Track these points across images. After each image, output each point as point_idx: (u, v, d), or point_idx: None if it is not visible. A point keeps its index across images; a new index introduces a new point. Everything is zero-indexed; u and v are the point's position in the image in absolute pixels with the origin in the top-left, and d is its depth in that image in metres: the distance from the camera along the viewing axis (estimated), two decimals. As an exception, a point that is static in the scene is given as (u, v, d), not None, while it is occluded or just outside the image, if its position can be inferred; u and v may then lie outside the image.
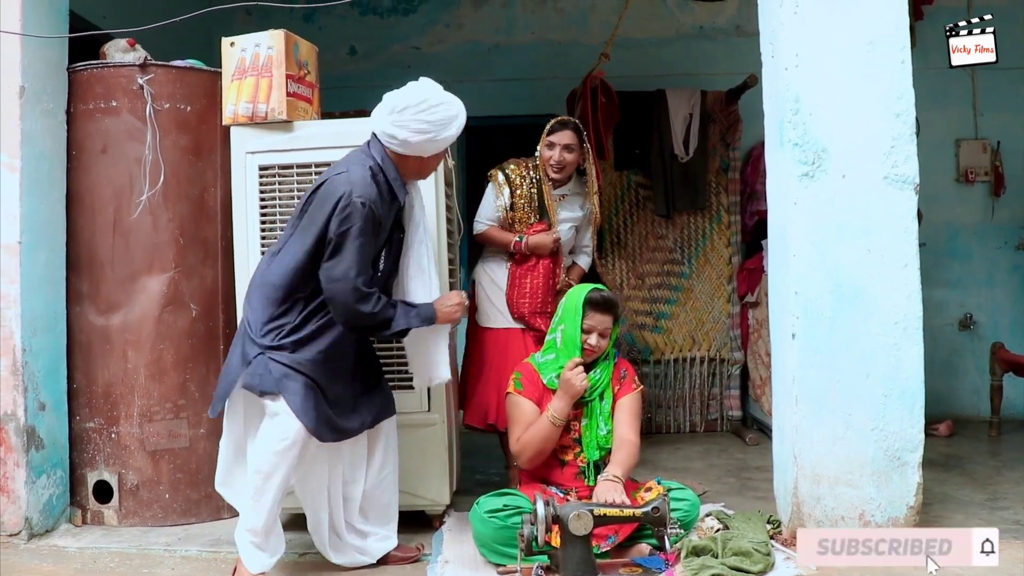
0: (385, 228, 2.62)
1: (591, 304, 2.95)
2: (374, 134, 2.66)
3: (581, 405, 2.95)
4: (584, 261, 3.92)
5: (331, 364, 2.61)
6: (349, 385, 2.70)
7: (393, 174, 2.63)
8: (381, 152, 2.64)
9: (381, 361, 3.15)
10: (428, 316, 2.68)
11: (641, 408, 3.04)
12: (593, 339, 2.92)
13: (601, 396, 2.96)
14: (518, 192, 3.64)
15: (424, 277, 2.76)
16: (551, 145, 3.63)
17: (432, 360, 2.79)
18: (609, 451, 2.92)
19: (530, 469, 3.00)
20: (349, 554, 2.82)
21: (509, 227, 3.66)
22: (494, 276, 3.69)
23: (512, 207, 3.64)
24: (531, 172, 3.67)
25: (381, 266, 2.67)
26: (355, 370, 2.73)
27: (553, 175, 3.66)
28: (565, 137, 3.62)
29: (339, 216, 2.50)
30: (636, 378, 3.05)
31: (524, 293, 3.60)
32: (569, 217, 3.74)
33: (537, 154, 3.68)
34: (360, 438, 2.78)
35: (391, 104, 2.59)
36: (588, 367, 2.97)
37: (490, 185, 3.72)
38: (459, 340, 3.80)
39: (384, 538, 2.87)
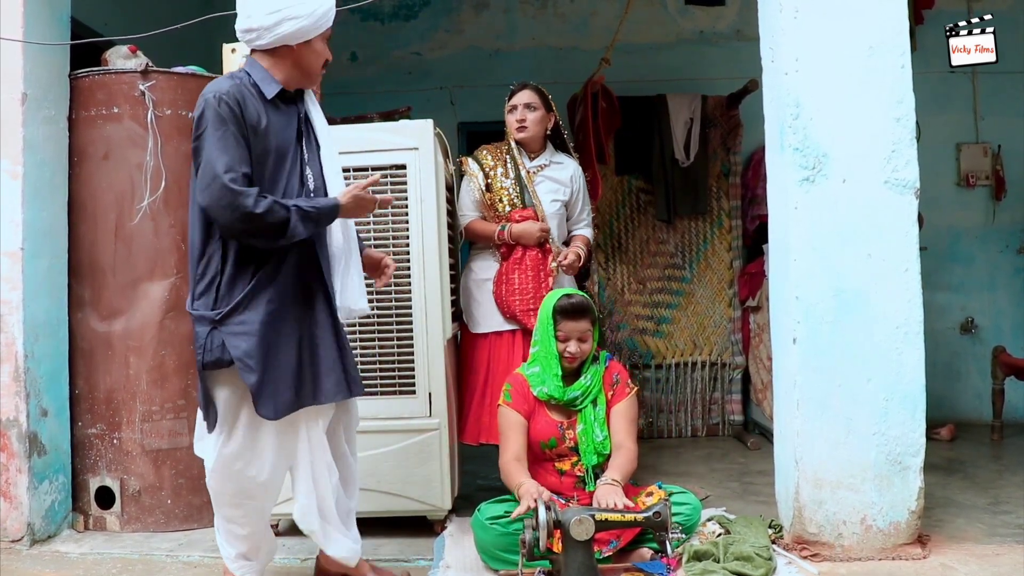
0: (263, 131, 2.34)
1: (560, 312, 2.93)
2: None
3: (574, 413, 2.94)
4: (587, 232, 3.71)
5: (283, 318, 2.36)
6: (323, 342, 2.44)
7: (260, 74, 2.41)
8: (249, 61, 2.46)
9: (381, 364, 3.16)
10: (330, 211, 2.39)
11: (637, 410, 3.03)
12: (572, 347, 2.91)
13: (594, 402, 2.95)
14: (492, 174, 3.54)
15: (346, 229, 2.55)
16: (512, 108, 3.56)
17: (347, 286, 2.51)
18: (607, 457, 2.91)
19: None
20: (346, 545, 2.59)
21: (490, 210, 3.53)
22: (481, 273, 3.57)
23: (489, 188, 3.52)
24: (504, 153, 3.59)
25: (288, 183, 2.40)
26: (319, 322, 2.45)
27: (518, 135, 3.55)
28: (525, 96, 3.56)
29: (195, 123, 2.30)
30: (629, 380, 3.03)
31: (513, 289, 3.44)
32: (552, 190, 3.59)
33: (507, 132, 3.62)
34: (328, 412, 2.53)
35: (239, 5, 2.43)
36: (577, 373, 2.96)
37: (464, 176, 3.62)
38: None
39: (356, 540, 2.65)
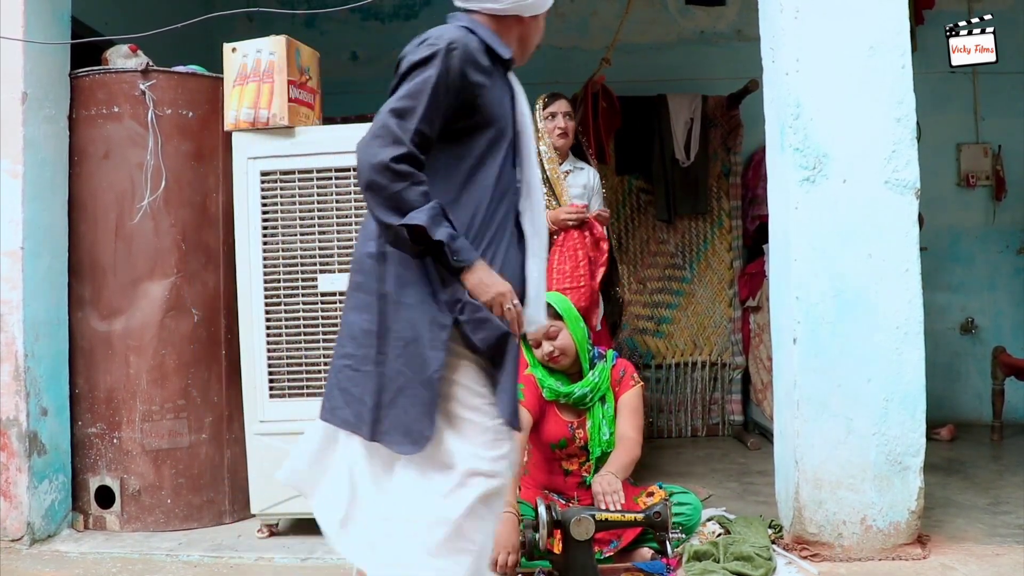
0: (487, 99, 1.94)
1: None
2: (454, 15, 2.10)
3: (583, 411, 2.94)
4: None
5: None
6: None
7: (488, 35, 2.01)
8: (469, 20, 2.05)
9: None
10: (462, 252, 1.84)
11: (641, 403, 3.02)
12: (546, 346, 2.89)
13: (602, 399, 2.94)
14: None
15: (539, 229, 2.04)
16: (552, 115, 3.78)
17: (540, 292, 2.05)
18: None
19: (532, 473, 3.00)
20: None
21: None
22: None
23: None
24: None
25: (503, 172, 1.97)
26: None
27: (560, 142, 3.76)
28: (563, 105, 3.80)
29: (409, 64, 1.91)
30: (635, 374, 3.02)
31: (551, 268, 3.58)
32: (576, 195, 3.81)
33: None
34: None
35: None
36: (580, 372, 2.95)
37: None
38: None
39: None
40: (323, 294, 3.13)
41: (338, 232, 3.13)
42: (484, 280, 1.87)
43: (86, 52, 3.54)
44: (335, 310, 3.12)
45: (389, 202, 1.82)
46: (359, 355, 1.92)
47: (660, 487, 2.87)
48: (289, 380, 3.15)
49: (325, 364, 3.13)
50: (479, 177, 1.95)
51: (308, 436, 2.05)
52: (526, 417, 2.88)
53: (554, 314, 2.89)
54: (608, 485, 2.66)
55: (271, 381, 3.16)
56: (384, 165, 1.80)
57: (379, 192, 1.82)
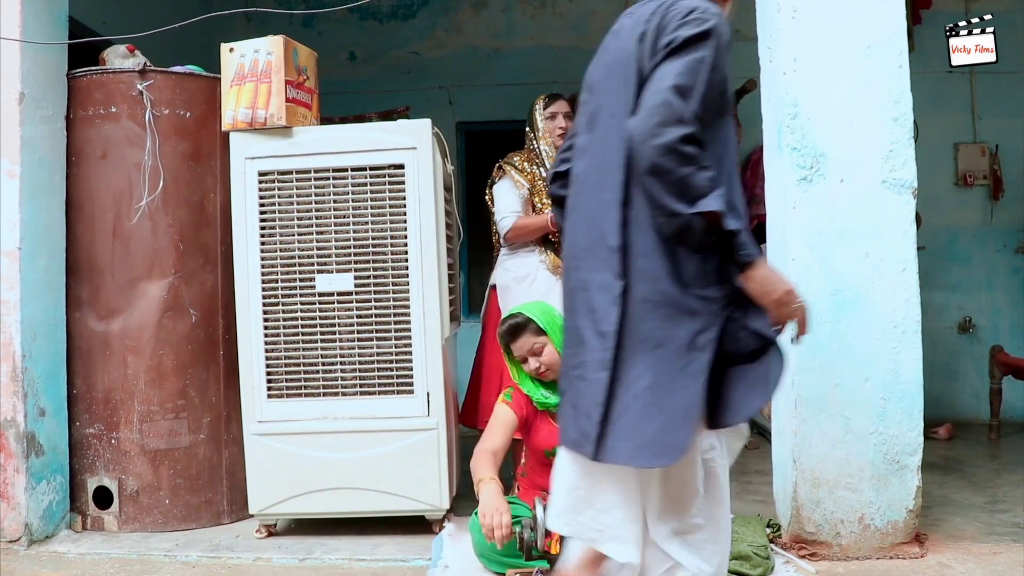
0: (728, 83, 1.84)
1: (502, 338, 2.89)
2: None
3: None
4: None
5: None
6: None
7: None
8: None
9: (379, 364, 3.15)
10: (748, 246, 1.75)
11: None
12: (532, 363, 2.83)
13: None
14: (529, 176, 3.68)
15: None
16: (553, 116, 3.72)
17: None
18: None
19: (530, 475, 3.00)
20: None
21: (534, 210, 3.67)
22: (519, 270, 3.64)
23: (533, 191, 3.66)
24: (535, 156, 3.71)
25: (729, 159, 1.90)
26: None
27: (560, 143, 3.69)
28: (563, 105, 3.74)
29: (687, 28, 1.73)
30: None
31: None
32: None
33: (534, 142, 3.72)
34: None
35: None
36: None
37: (504, 179, 3.71)
38: (462, 346, 3.78)
39: None
40: (321, 294, 3.13)
41: (336, 232, 3.13)
42: (770, 278, 1.74)
43: (83, 52, 3.53)
44: (333, 310, 3.13)
45: (675, 187, 1.68)
46: (589, 361, 1.79)
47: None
48: (287, 380, 3.16)
49: (323, 364, 3.14)
50: (723, 164, 1.83)
51: (559, 471, 1.91)
52: (510, 417, 2.85)
53: (538, 330, 2.84)
54: None
55: (269, 381, 3.16)
56: (670, 147, 1.66)
57: (665, 176, 1.68)
